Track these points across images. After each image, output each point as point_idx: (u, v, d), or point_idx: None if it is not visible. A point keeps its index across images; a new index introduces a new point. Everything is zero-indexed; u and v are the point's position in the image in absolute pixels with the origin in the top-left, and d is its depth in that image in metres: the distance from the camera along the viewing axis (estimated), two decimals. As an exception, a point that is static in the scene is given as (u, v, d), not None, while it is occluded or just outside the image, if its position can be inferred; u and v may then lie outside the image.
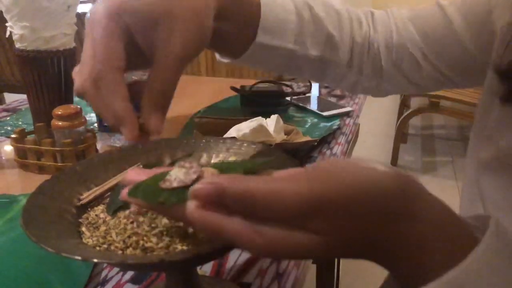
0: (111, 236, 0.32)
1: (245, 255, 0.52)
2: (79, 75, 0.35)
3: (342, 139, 0.85)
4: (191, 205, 0.26)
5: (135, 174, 0.31)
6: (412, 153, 2.80)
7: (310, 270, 0.58)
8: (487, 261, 0.26)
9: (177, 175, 0.29)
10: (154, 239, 0.31)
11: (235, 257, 0.51)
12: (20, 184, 0.71)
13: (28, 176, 0.72)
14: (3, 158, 0.76)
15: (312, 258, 0.27)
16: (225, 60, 0.53)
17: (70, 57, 0.80)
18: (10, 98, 1.76)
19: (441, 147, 2.91)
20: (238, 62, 0.51)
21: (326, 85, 0.65)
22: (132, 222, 0.33)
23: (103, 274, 0.48)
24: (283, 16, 0.47)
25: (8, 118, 0.98)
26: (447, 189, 2.31)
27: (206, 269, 0.49)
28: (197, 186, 0.26)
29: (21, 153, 0.72)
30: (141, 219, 0.33)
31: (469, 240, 0.27)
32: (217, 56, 0.53)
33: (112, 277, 0.48)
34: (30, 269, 0.47)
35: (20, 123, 0.95)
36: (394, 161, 2.60)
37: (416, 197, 0.27)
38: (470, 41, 0.52)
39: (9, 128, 0.91)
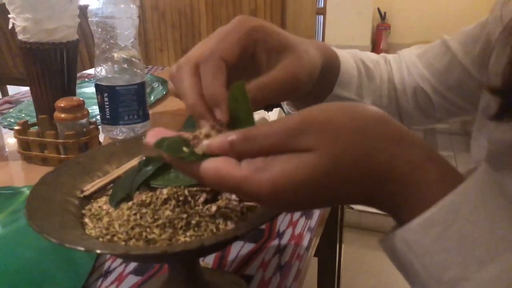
0: (114, 227, 0.32)
1: (248, 247, 0.52)
2: (185, 56, 0.37)
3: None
4: (205, 161, 0.28)
5: (162, 130, 0.32)
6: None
7: (312, 263, 0.58)
8: (480, 189, 0.28)
9: (206, 134, 0.30)
10: (157, 231, 0.31)
11: (237, 249, 0.51)
12: (23, 176, 0.71)
13: (31, 168, 0.72)
14: (7, 150, 0.76)
15: (315, 189, 0.27)
16: (292, 110, 0.58)
17: (73, 49, 0.80)
18: (13, 91, 1.77)
19: (442, 141, 2.90)
20: None
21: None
22: (135, 214, 0.33)
23: (106, 265, 0.48)
24: (350, 71, 0.53)
25: (11, 110, 0.98)
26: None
27: (208, 261, 0.49)
28: (211, 139, 0.29)
29: (24, 145, 0.72)
30: (144, 210, 0.33)
31: (458, 175, 0.29)
32: (285, 106, 0.58)
33: (115, 268, 0.48)
34: (33, 260, 0.47)
35: (23, 115, 0.95)
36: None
37: (403, 129, 0.29)
38: (472, 66, 0.55)
39: (12, 120, 0.91)
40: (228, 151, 0.28)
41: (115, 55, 0.81)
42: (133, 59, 0.81)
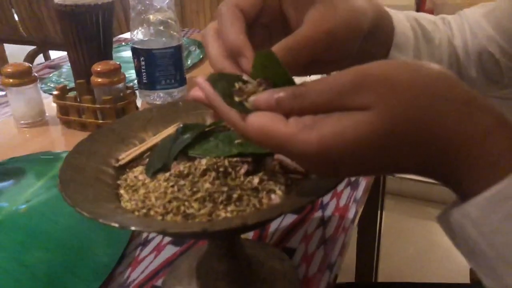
0: (150, 200, 0.30)
1: (289, 218, 0.49)
2: None
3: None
4: (251, 115, 0.26)
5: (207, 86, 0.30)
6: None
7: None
8: None
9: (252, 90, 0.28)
10: (196, 205, 0.29)
11: (279, 221, 0.49)
12: (63, 141, 0.71)
13: (71, 133, 0.72)
14: (47, 115, 0.76)
15: (369, 149, 0.24)
16: None
17: (108, 11, 0.78)
18: (56, 56, 1.78)
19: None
20: None
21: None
22: (172, 186, 0.31)
23: (144, 234, 0.47)
24: (405, 31, 0.48)
25: (51, 75, 0.98)
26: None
27: (248, 232, 0.47)
28: (258, 94, 0.27)
29: (63, 110, 0.72)
30: (182, 182, 0.31)
31: None
32: None
33: (153, 237, 0.47)
34: (72, 227, 0.47)
35: (63, 80, 0.94)
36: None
37: (472, 91, 0.25)
38: None
39: (52, 85, 0.91)
40: (275, 108, 0.26)
41: (151, 17, 0.78)
42: (169, 21, 0.78)
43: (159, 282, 0.41)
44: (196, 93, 0.30)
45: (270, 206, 0.30)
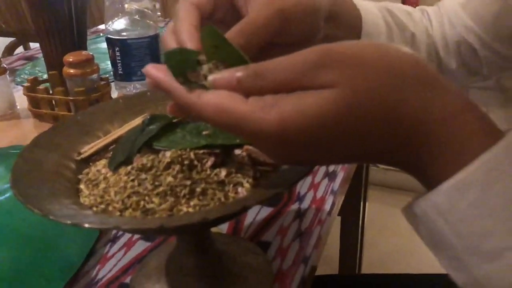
0: (109, 195, 0.29)
1: (265, 211, 0.48)
2: None
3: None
4: (206, 93, 0.25)
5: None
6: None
7: (335, 222, 0.55)
8: None
9: (207, 71, 0.27)
10: (156, 200, 0.28)
11: (254, 214, 0.48)
12: (35, 135, 0.69)
13: (43, 127, 0.69)
14: (18, 107, 0.74)
15: (332, 129, 0.23)
16: None
17: (82, 1, 0.75)
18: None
19: (475, 97, 2.78)
20: None
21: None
22: (133, 180, 0.29)
23: (114, 230, 0.46)
24: (376, 21, 0.47)
25: (25, 67, 0.95)
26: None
27: (222, 226, 0.46)
28: (217, 74, 0.25)
29: (34, 103, 0.70)
30: (143, 176, 0.30)
31: (499, 130, 0.24)
32: None
33: (123, 233, 0.46)
34: (39, 224, 0.45)
35: (37, 71, 0.92)
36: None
37: (440, 75, 0.25)
38: None
39: (25, 77, 0.89)
40: (236, 88, 0.25)
41: (126, 6, 0.75)
42: (146, 10, 0.76)
43: (127, 280, 0.40)
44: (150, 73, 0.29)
45: (236, 200, 0.29)
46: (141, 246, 0.44)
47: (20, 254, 0.42)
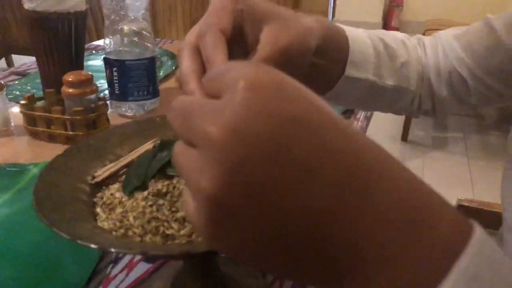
0: (128, 220, 0.30)
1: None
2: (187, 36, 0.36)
3: (360, 115, 0.82)
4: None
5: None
6: (423, 128, 2.76)
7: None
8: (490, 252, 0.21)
9: None
10: (175, 226, 0.29)
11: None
12: (30, 153, 0.69)
13: (38, 145, 0.69)
14: (12, 124, 0.73)
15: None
16: None
17: (82, 20, 0.77)
18: (19, 60, 1.73)
19: (453, 123, 2.86)
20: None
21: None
22: (151, 205, 0.31)
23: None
24: (364, 50, 0.49)
25: (16, 82, 0.95)
26: (457, 165, 2.28)
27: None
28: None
29: (30, 121, 0.70)
30: (160, 202, 0.31)
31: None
32: None
33: (124, 255, 0.46)
34: (41, 243, 0.46)
35: (29, 87, 0.92)
36: (405, 135, 2.56)
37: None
38: None
39: (17, 93, 0.89)
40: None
41: (125, 27, 0.77)
42: (144, 32, 0.78)
43: (131, 301, 0.40)
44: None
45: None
46: (143, 267, 0.44)
47: (21, 275, 0.42)
